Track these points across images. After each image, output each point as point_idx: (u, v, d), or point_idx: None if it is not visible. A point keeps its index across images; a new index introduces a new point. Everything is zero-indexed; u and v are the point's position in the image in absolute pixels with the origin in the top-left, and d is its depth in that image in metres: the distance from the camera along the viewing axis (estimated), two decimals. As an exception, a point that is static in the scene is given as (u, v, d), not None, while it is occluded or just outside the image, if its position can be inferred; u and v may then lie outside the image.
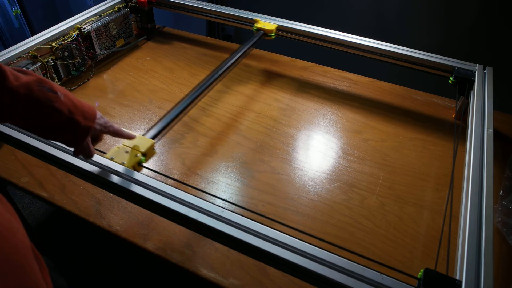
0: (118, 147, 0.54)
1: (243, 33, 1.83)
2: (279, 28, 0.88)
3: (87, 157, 0.48)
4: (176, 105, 0.65)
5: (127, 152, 0.54)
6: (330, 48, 0.86)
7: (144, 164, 0.54)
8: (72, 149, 0.47)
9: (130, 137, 0.53)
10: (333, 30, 0.85)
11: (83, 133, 0.44)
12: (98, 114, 0.47)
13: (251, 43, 0.83)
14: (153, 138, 0.57)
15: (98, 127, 0.46)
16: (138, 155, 0.53)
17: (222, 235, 0.43)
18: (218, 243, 0.50)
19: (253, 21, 0.90)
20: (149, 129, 0.59)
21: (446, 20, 1.35)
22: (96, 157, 0.51)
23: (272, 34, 0.87)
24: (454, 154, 0.67)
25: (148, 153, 0.55)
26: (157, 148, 0.71)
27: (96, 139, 0.50)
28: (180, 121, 0.77)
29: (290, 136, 0.75)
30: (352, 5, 1.45)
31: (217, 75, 0.74)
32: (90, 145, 0.47)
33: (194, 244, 0.56)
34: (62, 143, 0.46)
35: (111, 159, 0.52)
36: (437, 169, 0.68)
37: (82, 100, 0.45)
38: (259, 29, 0.87)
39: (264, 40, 0.88)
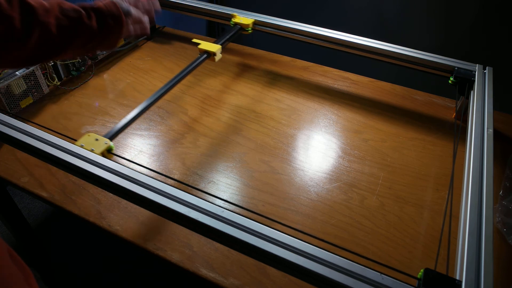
0: (89, 135, 0.55)
1: (243, 33, 1.83)
2: (256, 23, 0.90)
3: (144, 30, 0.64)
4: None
5: (97, 139, 0.54)
6: (330, 48, 0.86)
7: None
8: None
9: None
10: (333, 30, 0.85)
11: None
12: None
13: (228, 36, 0.85)
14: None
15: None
16: (107, 142, 0.54)
17: (222, 235, 0.43)
18: (218, 243, 0.50)
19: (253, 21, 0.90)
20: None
21: (446, 20, 1.35)
22: (97, 158, 0.51)
23: (249, 29, 0.90)
24: (454, 154, 0.67)
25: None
26: (157, 148, 0.71)
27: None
28: (180, 121, 0.77)
29: (290, 136, 0.75)
30: (352, 5, 1.45)
31: (189, 68, 0.75)
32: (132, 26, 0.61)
33: (194, 244, 0.56)
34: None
35: (81, 146, 0.53)
36: (437, 169, 0.68)
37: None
38: (236, 24, 0.90)
39: (263, 40, 0.88)
